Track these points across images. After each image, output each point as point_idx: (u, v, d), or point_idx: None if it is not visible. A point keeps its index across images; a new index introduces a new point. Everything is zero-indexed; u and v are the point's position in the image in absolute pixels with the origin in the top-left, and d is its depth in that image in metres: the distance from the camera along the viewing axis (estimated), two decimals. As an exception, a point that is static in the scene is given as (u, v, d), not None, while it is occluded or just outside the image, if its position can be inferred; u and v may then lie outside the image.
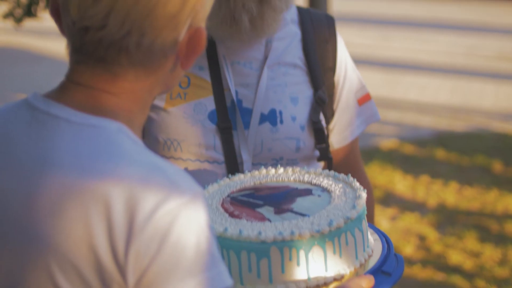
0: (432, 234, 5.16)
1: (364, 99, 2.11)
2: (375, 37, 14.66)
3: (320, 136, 1.99)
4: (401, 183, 6.09)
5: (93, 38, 1.19)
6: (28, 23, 4.50)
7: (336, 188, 1.66)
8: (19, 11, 4.22)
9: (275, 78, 1.98)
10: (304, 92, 1.99)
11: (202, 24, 1.25)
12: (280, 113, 1.96)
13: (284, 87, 1.98)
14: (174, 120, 1.93)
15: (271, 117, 1.95)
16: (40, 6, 4.07)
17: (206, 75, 1.95)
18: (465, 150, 6.96)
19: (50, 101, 1.22)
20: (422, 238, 5.12)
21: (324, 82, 2.01)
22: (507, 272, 4.58)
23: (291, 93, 1.98)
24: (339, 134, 2.09)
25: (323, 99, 1.99)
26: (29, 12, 4.07)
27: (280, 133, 1.95)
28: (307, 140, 1.98)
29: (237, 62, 1.96)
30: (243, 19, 1.87)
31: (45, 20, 4.58)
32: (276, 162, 1.96)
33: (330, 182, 1.70)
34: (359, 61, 11.79)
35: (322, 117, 2.01)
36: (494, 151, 6.93)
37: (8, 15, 4.23)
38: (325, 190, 1.67)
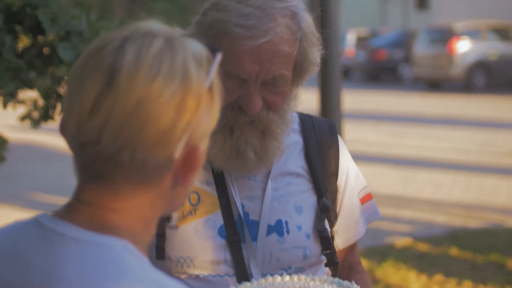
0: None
1: (366, 199, 2.15)
2: (388, 134, 14.75)
3: (326, 243, 2.02)
4: (415, 283, 6.06)
5: (90, 153, 1.20)
6: (49, 123, 4.58)
7: None
8: (36, 114, 4.30)
9: (279, 188, 2.01)
10: (308, 200, 2.03)
11: (201, 142, 1.25)
12: (286, 223, 1.98)
13: (288, 197, 2.01)
14: (186, 237, 1.95)
15: (278, 228, 1.98)
16: (57, 110, 4.15)
17: (213, 190, 1.99)
18: (480, 247, 6.93)
19: (58, 220, 1.24)
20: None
21: (327, 188, 2.04)
22: None
23: (295, 202, 2.01)
24: (344, 235, 2.11)
25: (327, 207, 2.02)
26: (46, 115, 4.15)
27: (287, 243, 1.98)
28: (313, 247, 2.00)
29: (241, 176, 2.00)
30: (248, 154, 1.91)
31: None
32: (284, 271, 1.98)
33: None
34: (373, 159, 11.85)
35: (326, 222, 2.05)
36: (509, 248, 6.89)
37: (25, 117, 4.31)
38: None
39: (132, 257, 1.20)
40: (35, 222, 1.26)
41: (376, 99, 22.25)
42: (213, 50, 1.27)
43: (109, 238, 1.20)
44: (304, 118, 2.11)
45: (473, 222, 7.97)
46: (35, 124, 4.30)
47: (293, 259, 1.98)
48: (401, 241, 7.27)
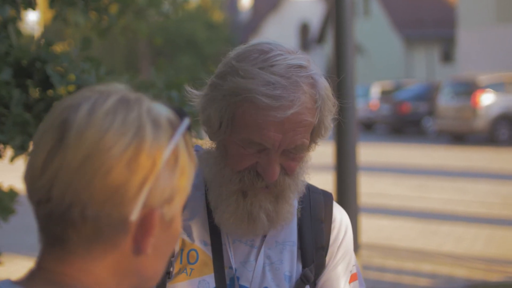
0: None
1: (353, 278, 2.11)
2: (410, 187, 14.67)
3: None
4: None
5: (43, 213, 1.16)
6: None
7: None
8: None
9: (272, 256, 1.99)
10: (297, 269, 2.01)
11: (162, 207, 1.19)
12: None
13: (280, 265, 1.99)
14: None
15: None
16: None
17: (209, 251, 1.98)
18: (500, 302, 6.84)
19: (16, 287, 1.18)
20: None
21: (313, 260, 2.01)
22: None
23: (286, 271, 1.99)
24: None
25: (308, 278, 1.98)
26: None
27: None
28: None
29: (239, 240, 1.99)
30: (261, 217, 1.88)
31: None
32: None
33: None
34: (394, 212, 11.77)
35: None
36: (530, 303, 6.80)
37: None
38: None
39: None
40: None
41: (400, 152, 22.19)
42: (180, 115, 1.24)
43: None
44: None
45: (494, 276, 7.87)
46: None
47: None
48: (420, 296, 7.18)
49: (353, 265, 2.10)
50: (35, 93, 3.96)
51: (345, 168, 7.37)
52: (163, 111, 1.22)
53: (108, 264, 1.18)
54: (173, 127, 1.21)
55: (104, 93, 1.19)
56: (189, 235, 1.95)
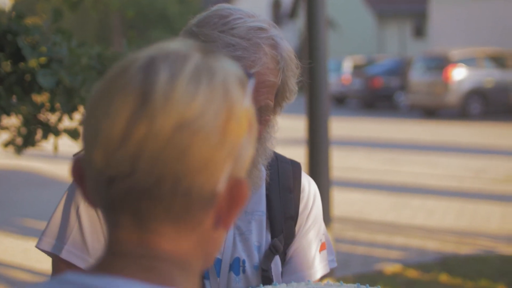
0: None
1: (322, 247, 2.11)
2: (382, 161, 14.75)
3: (268, 283, 1.99)
4: (404, 309, 6.04)
5: (122, 188, 1.02)
6: (32, 149, 4.59)
7: None
8: (19, 140, 4.30)
9: (241, 226, 1.99)
10: (266, 239, 2.01)
11: (243, 175, 1.08)
12: (244, 262, 1.97)
13: (249, 235, 2.00)
14: None
15: (235, 267, 1.95)
16: (38, 136, 4.16)
17: None
18: (470, 274, 6.91)
19: (106, 276, 1.03)
20: None
21: (283, 230, 2.02)
22: None
23: (255, 241, 2.00)
24: (293, 276, 2.08)
25: (277, 248, 1.99)
26: (28, 141, 4.16)
27: (242, 283, 1.96)
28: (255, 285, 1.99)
29: None
30: None
31: (48, 146, 4.67)
32: None
33: None
34: (366, 185, 11.84)
35: (279, 262, 2.02)
36: (499, 274, 6.88)
37: (9, 143, 4.32)
38: None
39: None
40: (65, 283, 1.05)
41: (372, 126, 22.28)
42: (247, 74, 1.13)
43: None
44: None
45: (465, 249, 7.95)
46: (18, 150, 4.30)
47: None
48: (391, 268, 7.24)
49: (323, 234, 2.11)
50: (6, 66, 3.94)
51: (317, 142, 7.39)
52: (239, 70, 1.11)
53: (191, 245, 1.06)
54: (244, 87, 1.10)
55: (180, 53, 1.06)
56: None
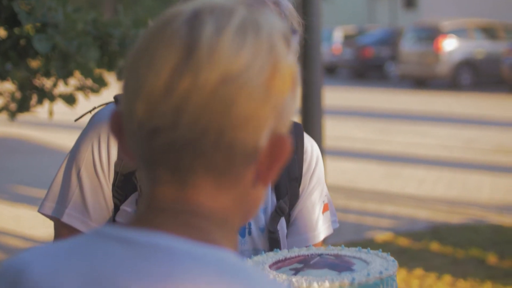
0: (425, 328, 5.12)
1: (325, 208, 2.11)
2: (373, 130, 14.78)
3: (275, 245, 2.00)
4: (395, 276, 6.06)
5: (164, 141, 1.00)
6: (26, 115, 4.58)
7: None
8: (13, 106, 4.29)
9: None
10: (272, 202, 2.02)
11: (286, 131, 1.06)
12: (249, 224, 1.98)
13: None
14: None
15: (241, 229, 1.96)
16: (33, 101, 4.15)
17: None
18: (460, 242, 6.96)
19: (146, 231, 1.01)
20: (415, 332, 5.08)
21: (287, 191, 2.03)
22: None
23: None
24: (297, 237, 2.09)
25: (282, 209, 2.00)
26: (22, 107, 4.15)
27: (248, 245, 1.98)
28: (264, 247, 2.00)
29: None
30: None
31: (41, 113, 4.66)
32: None
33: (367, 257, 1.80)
34: (357, 155, 11.87)
35: (284, 224, 2.04)
36: (490, 243, 6.93)
37: (3, 109, 4.31)
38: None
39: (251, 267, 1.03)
40: (105, 236, 1.03)
41: (362, 96, 22.29)
42: (292, 30, 1.12)
43: (220, 250, 1.01)
44: None
45: (455, 218, 8.00)
46: (12, 116, 4.30)
47: None
48: (382, 236, 7.28)
49: (325, 195, 2.12)
50: (1, 31, 3.93)
51: (310, 112, 7.41)
52: (284, 25, 1.08)
53: (231, 201, 1.04)
54: (288, 43, 1.07)
55: (225, 6, 1.04)
56: None
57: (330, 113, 15.33)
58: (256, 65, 1.01)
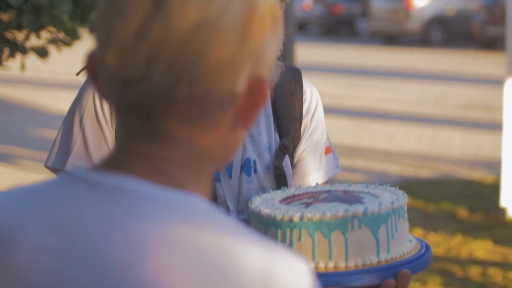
0: (397, 280, 5.18)
1: (327, 151, 2.14)
2: (344, 86, 14.81)
3: (282, 181, 2.02)
4: (367, 230, 6.13)
5: (136, 91, 0.97)
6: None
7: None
8: (-15, 60, 4.25)
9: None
10: (275, 140, 2.03)
11: (265, 73, 1.02)
12: (254, 162, 1.98)
13: (258, 136, 2.02)
14: None
15: (246, 167, 1.97)
16: (5, 55, 4.11)
17: None
18: (431, 197, 7.03)
19: (114, 174, 1.00)
20: (387, 284, 5.14)
21: (289, 131, 2.05)
22: (470, 316, 4.62)
23: (265, 142, 2.02)
24: (302, 179, 2.11)
25: (287, 147, 2.01)
26: (-6, 60, 4.10)
27: (254, 183, 1.99)
28: (271, 185, 2.01)
29: None
30: None
31: (13, 69, 4.62)
32: None
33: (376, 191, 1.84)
34: (328, 110, 11.87)
35: (288, 162, 2.05)
36: (460, 197, 7.00)
37: (-26, 63, 4.26)
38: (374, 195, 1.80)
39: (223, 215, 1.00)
40: (75, 179, 1.01)
41: (333, 52, 22.28)
42: None
43: (192, 196, 0.99)
44: None
45: (426, 173, 8.07)
46: (-16, 70, 4.25)
47: None
48: (354, 191, 7.32)
49: (327, 138, 2.15)
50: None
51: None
52: None
53: (206, 146, 1.02)
54: None
55: None
56: None
57: (301, 69, 15.28)
58: (232, 9, 0.97)
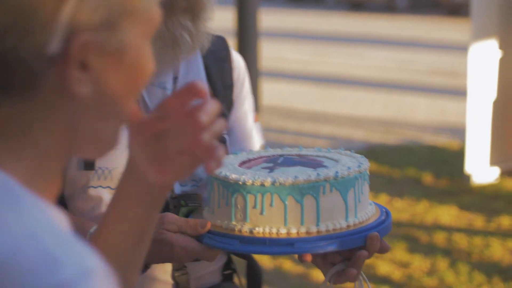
0: (362, 246, 5.15)
1: (256, 118, 2.16)
2: (309, 52, 14.75)
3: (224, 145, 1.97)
4: (332, 196, 6.10)
5: None
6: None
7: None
8: None
9: None
10: None
11: (97, 34, 0.87)
12: None
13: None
14: None
15: None
16: None
17: None
18: (397, 163, 7.01)
19: None
20: (352, 250, 5.11)
21: (226, 98, 2.05)
22: (435, 282, 4.60)
23: None
24: (237, 145, 2.08)
25: (224, 114, 2.00)
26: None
27: None
28: None
29: (152, 84, 1.94)
30: (184, 37, 1.86)
31: None
32: (196, 183, 1.94)
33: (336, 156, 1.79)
34: (293, 76, 11.84)
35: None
36: (425, 163, 6.99)
37: None
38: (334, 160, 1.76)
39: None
40: None
41: (298, 18, 22.19)
42: None
43: None
44: None
45: (391, 138, 8.05)
46: None
47: (203, 172, 1.92)
48: (319, 157, 7.29)
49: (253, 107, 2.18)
50: None
51: (246, 33, 7.34)
52: None
53: (27, 117, 0.87)
54: None
55: None
56: None
57: (266, 35, 15.22)
58: None
